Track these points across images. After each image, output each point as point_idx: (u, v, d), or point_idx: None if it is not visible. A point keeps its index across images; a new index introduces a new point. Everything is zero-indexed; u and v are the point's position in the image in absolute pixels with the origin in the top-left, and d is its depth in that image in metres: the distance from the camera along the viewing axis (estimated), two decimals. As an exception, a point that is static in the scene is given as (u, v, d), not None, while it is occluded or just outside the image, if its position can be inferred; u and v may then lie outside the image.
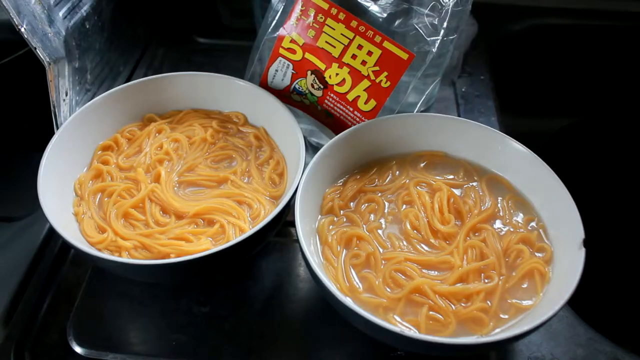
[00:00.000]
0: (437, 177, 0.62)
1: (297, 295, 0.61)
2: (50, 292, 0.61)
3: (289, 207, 0.54)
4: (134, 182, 0.62)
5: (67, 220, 0.58)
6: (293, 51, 0.64)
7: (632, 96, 0.96)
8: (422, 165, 0.63)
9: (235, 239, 0.52)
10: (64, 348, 0.57)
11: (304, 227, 0.53)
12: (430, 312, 0.51)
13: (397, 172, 0.62)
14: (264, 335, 0.58)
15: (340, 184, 0.61)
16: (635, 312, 0.70)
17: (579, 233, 0.52)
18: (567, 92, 0.98)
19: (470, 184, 0.62)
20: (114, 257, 0.53)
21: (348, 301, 0.47)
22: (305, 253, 0.50)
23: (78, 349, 0.56)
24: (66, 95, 0.64)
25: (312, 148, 0.71)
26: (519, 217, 0.59)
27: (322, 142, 0.70)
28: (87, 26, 0.70)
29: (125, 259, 0.54)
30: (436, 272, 0.54)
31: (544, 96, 0.98)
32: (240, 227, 0.57)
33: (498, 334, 0.47)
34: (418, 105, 0.66)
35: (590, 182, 0.84)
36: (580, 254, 0.50)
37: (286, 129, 0.63)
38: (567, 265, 0.52)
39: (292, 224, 0.52)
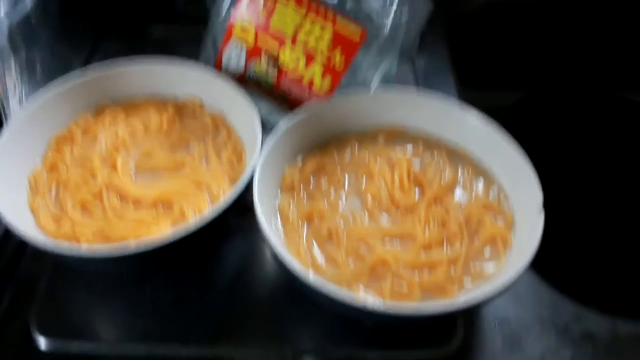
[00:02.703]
0: (397, 150, 0.61)
1: (263, 276, 0.60)
2: (10, 287, 0.59)
3: (249, 187, 0.53)
4: (91, 171, 0.60)
5: (23, 214, 0.56)
6: (246, 34, 0.63)
7: (586, 66, 0.97)
8: (381, 139, 0.63)
9: (195, 222, 0.50)
10: (28, 342, 0.55)
11: (263, 206, 0.52)
12: (394, 283, 0.51)
13: (357, 148, 0.62)
14: (231, 317, 0.57)
15: (300, 161, 0.60)
16: (597, 272, 0.70)
17: (538, 198, 0.52)
18: (524, 65, 0.98)
19: (430, 155, 0.61)
20: (70, 250, 0.51)
21: (310, 277, 0.47)
22: (265, 231, 0.49)
23: (42, 342, 0.55)
24: (14, 88, 0.62)
25: (271, 129, 0.69)
26: (480, 186, 0.59)
27: (281, 124, 0.69)
28: (33, 20, 0.68)
29: (82, 251, 0.52)
30: (399, 243, 0.54)
31: (501, 70, 0.98)
32: (200, 209, 0.56)
33: (462, 300, 0.47)
34: (375, 82, 0.65)
35: (548, 150, 0.84)
36: (540, 218, 0.51)
37: (243, 111, 0.62)
38: (528, 229, 0.52)
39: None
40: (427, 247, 0.53)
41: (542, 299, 0.59)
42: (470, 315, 0.57)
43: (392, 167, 0.60)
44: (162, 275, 0.60)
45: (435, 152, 0.62)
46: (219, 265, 0.61)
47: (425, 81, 0.84)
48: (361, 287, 0.51)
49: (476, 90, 0.91)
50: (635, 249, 0.73)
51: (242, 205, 0.55)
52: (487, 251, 0.54)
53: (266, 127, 0.61)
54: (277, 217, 0.56)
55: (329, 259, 0.53)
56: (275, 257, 0.49)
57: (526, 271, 0.58)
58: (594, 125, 0.90)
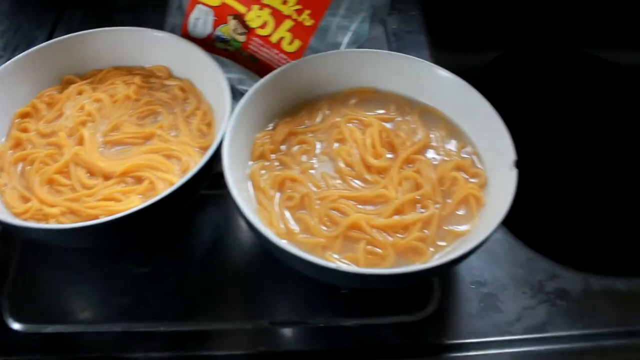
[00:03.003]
0: (369, 113, 0.61)
1: (238, 245, 0.60)
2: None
3: (219, 155, 0.52)
4: (57, 147, 0.59)
5: (-12, 194, 0.55)
6: (211, -4, 0.61)
7: (558, 25, 0.96)
8: (352, 102, 0.62)
9: (163, 192, 0.49)
10: (1, 326, 0.54)
11: (234, 174, 0.51)
12: (368, 247, 0.50)
13: (328, 112, 0.61)
14: (208, 288, 0.57)
15: (270, 128, 0.59)
16: (570, 230, 0.71)
17: (510, 155, 0.52)
18: (498, 26, 0.97)
19: (402, 117, 0.61)
20: (40, 225, 0.51)
21: (283, 243, 0.46)
22: (236, 199, 0.48)
23: (15, 325, 0.54)
24: (-26, 63, 0.60)
25: (242, 96, 0.68)
26: (452, 146, 0.58)
27: (251, 90, 0.67)
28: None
29: (51, 225, 0.51)
30: (372, 207, 0.53)
31: (475, 29, 0.97)
32: (170, 181, 0.55)
33: (436, 260, 0.47)
34: (345, 44, 0.64)
35: (521, 109, 0.84)
36: (512, 175, 0.50)
37: (211, 78, 0.61)
38: (501, 187, 0.52)
39: (227, 174, 0.51)
40: (401, 209, 0.53)
41: (517, 258, 0.59)
42: (446, 278, 0.57)
43: (363, 130, 0.59)
44: (137, 250, 0.59)
45: (408, 114, 0.61)
46: (194, 237, 0.61)
47: (397, 43, 0.83)
48: (335, 252, 0.50)
49: (450, 51, 0.91)
50: (605, 206, 0.73)
51: (214, 175, 0.55)
52: (461, 211, 0.54)
53: (237, 95, 0.60)
54: (249, 186, 0.55)
55: (302, 225, 0.52)
56: (249, 226, 0.49)
57: (501, 231, 0.59)
58: (566, 84, 0.91)
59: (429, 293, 0.56)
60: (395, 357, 0.53)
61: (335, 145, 0.58)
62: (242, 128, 0.56)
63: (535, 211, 0.70)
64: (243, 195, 0.52)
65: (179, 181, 0.51)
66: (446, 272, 0.58)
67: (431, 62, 0.62)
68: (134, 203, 0.53)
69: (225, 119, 0.55)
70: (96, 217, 0.52)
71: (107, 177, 0.56)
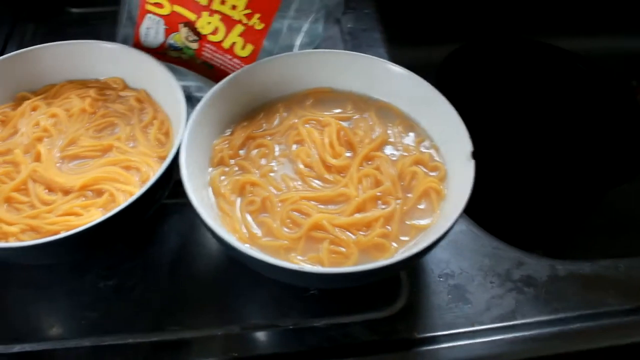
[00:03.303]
0: (326, 113, 0.61)
1: (203, 252, 0.59)
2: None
3: (177, 164, 0.52)
4: (13, 165, 0.58)
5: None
6: (160, 5, 0.61)
7: (516, 15, 0.98)
8: (309, 103, 0.62)
9: (123, 204, 0.49)
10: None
11: (194, 182, 0.51)
12: (332, 246, 0.50)
13: (285, 114, 0.61)
14: (176, 297, 0.56)
15: (228, 133, 0.59)
16: (534, 218, 0.72)
17: (468, 146, 0.52)
18: (453, 18, 0.98)
19: (360, 115, 0.61)
20: (-1, 244, 0.50)
21: (246, 248, 0.46)
22: (196, 207, 0.48)
23: (-20, 348, 0.53)
24: None
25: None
26: (410, 140, 0.59)
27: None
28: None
29: (11, 243, 0.50)
30: (334, 206, 0.53)
31: (430, 24, 0.98)
32: (130, 192, 0.54)
33: (399, 255, 0.47)
34: (298, 45, 0.64)
35: (480, 101, 0.85)
36: (470, 166, 0.51)
37: (166, 87, 0.60)
38: (460, 179, 0.52)
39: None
40: (362, 206, 0.53)
41: (482, 248, 0.60)
42: (413, 272, 0.58)
43: (321, 130, 0.59)
44: (101, 263, 0.59)
45: (365, 111, 0.61)
46: (158, 247, 0.60)
47: (353, 41, 0.83)
48: (299, 253, 0.50)
49: (406, 47, 0.91)
50: (565, 191, 0.74)
51: (175, 183, 0.54)
52: (422, 205, 0.54)
53: (195, 103, 0.60)
54: (210, 192, 0.55)
55: (265, 228, 0.52)
56: (211, 233, 0.48)
57: (464, 223, 0.60)
58: (524, 74, 0.92)
59: (398, 288, 0.57)
60: (367, 354, 0.53)
61: (294, 147, 0.58)
62: (199, 135, 0.55)
63: (497, 201, 0.71)
64: (204, 202, 0.52)
65: (138, 192, 0.50)
66: (412, 267, 0.58)
67: (388, 58, 0.62)
68: (95, 216, 0.52)
69: (182, 127, 0.54)
70: (57, 233, 0.51)
71: (66, 192, 0.56)
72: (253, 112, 0.61)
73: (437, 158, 0.57)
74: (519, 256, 0.59)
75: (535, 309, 0.55)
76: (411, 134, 0.59)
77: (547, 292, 0.56)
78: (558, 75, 0.90)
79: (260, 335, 0.54)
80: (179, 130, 0.55)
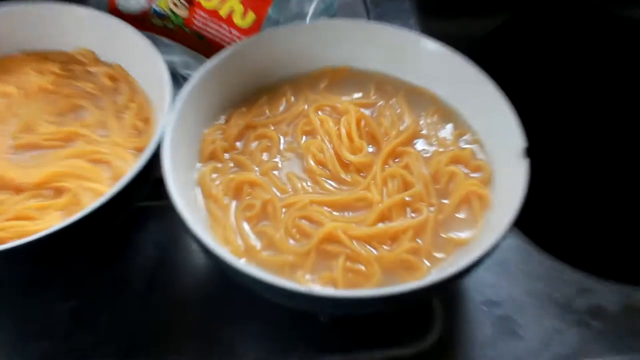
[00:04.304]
0: (343, 98, 0.60)
1: (188, 268, 0.59)
2: None
3: (158, 158, 0.52)
4: (-44, 156, 0.58)
5: None
6: (142, -39, 0.61)
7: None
8: (322, 85, 0.62)
9: (90, 206, 0.48)
10: None
11: (179, 180, 0.50)
12: (348, 263, 0.50)
13: (293, 98, 0.61)
14: (151, 326, 0.56)
15: (222, 121, 0.59)
16: (598, 232, 0.70)
17: (519, 142, 0.52)
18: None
19: (385, 101, 0.61)
20: None
21: (242, 264, 0.46)
22: (181, 212, 0.47)
23: None
24: None
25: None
26: (448, 133, 0.58)
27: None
28: None
29: None
30: (351, 213, 0.53)
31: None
32: (99, 191, 0.54)
33: (433, 277, 0.46)
34: (311, 13, 0.65)
35: (532, 86, 0.84)
36: (523, 166, 0.50)
37: (147, 62, 0.60)
38: (509, 182, 0.51)
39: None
40: (387, 215, 0.53)
41: (537, 270, 0.59)
42: (449, 298, 0.57)
43: (337, 119, 0.59)
44: (59, 281, 0.58)
45: (392, 97, 0.61)
46: (131, 261, 0.60)
47: (377, 10, 0.83)
48: (307, 271, 0.50)
49: (441, 18, 0.91)
50: (638, 199, 0.73)
51: (154, 182, 0.54)
52: (462, 214, 0.54)
53: (181, 82, 0.60)
54: (198, 193, 0.55)
55: (266, 240, 0.52)
56: (198, 244, 0.48)
57: (514, 237, 0.59)
58: (588, 53, 0.91)
59: (430, 318, 0.56)
60: (389, 401, 0.52)
61: (304, 139, 0.58)
62: (186, 122, 0.55)
63: (556, 210, 0.70)
64: (191, 205, 0.52)
65: (109, 192, 0.49)
66: (448, 291, 0.57)
67: (418, 32, 0.61)
68: (53, 221, 0.52)
69: (165, 112, 0.54)
70: (4, 242, 0.51)
71: (18, 189, 0.55)
72: (254, 95, 0.61)
73: (480, 156, 0.56)
74: (584, 280, 0.58)
75: (604, 347, 0.54)
76: (449, 126, 0.59)
77: (620, 327, 0.55)
78: (630, 54, 0.89)
79: (258, 375, 0.53)
80: (161, 116, 0.55)
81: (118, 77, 0.64)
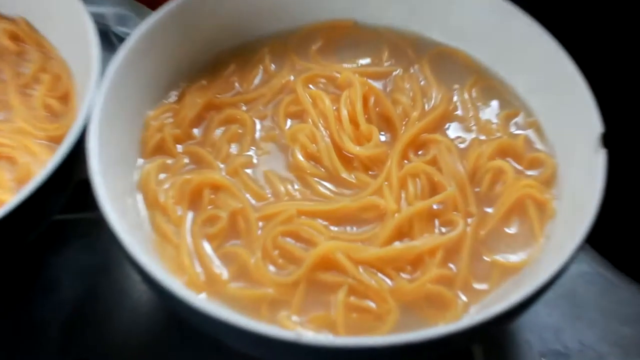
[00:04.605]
0: (345, 65, 0.61)
1: (125, 306, 0.60)
2: None
3: (82, 152, 0.51)
4: None
5: None
6: None
7: None
8: (315, 47, 0.62)
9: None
10: None
11: (111, 183, 0.50)
12: (353, 299, 0.50)
13: (273, 66, 0.61)
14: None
15: (173, 99, 0.59)
16: None
17: (595, 126, 0.52)
18: None
19: (403, 69, 0.61)
20: None
21: (200, 300, 0.45)
22: (114, 226, 0.47)
23: None
24: None
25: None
26: (492, 114, 0.59)
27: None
28: None
29: None
30: (356, 229, 0.53)
31: None
32: (-1, 200, 0.54)
33: (472, 317, 0.46)
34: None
35: (611, 51, 0.84)
36: (599, 160, 0.50)
37: (65, 15, 0.61)
38: (580, 182, 0.52)
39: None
40: (406, 229, 0.52)
41: (621, 307, 0.59)
42: (495, 346, 0.58)
43: (337, 96, 0.59)
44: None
45: (413, 63, 0.61)
46: (47, 296, 0.60)
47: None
48: (294, 310, 0.50)
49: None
50: None
51: (77, 185, 0.54)
52: (513, 227, 0.54)
53: (114, 44, 0.61)
54: (139, 201, 0.55)
55: (235, 265, 0.52)
56: (139, 271, 0.48)
57: (588, 259, 0.60)
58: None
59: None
60: None
61: (289, 123, 0.58)
62: (122, 102, 0.55)
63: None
64: (129, 218, 0.52)
65: (11, 200, 0.50)
66: (492, 337, 0.58)
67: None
68: None
69: (91, 87, 0.54)
70: None
71: None
72: (218, 62, 0.62)
73: (539, 146, 0.56)
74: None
75: None
76: (494, 103, 0.59)
77: None
78: None
79: None
80: (86, 93, 0.55)
81: (24, 36, 0.64)
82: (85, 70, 0.57)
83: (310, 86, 0.59)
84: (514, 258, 0.52)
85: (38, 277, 0.60)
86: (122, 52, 0.55)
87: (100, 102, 0.53)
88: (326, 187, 0.55)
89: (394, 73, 0.60)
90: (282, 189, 0.55)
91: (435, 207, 0.54)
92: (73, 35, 0.59)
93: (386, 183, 0.54)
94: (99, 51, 0.56)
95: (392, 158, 0.55)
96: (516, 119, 0.58)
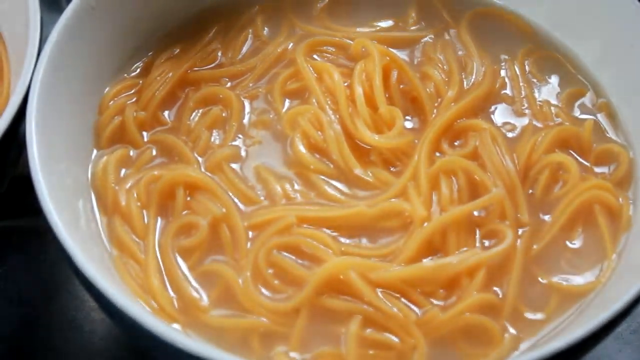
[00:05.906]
0: (358, 30, 0.62)
1: (76, 341, 0.60)
2: None
3: (18, 140, 0.52)
4: None
5: None
6: None
7: None
8: (320, 5, 0.63)
9: None
10: None
11: (57, 181, 0.51)
12: (369, 331, 0.50)
13: (266, 30, 0.62)
14: None
15: (137, 71, 0.60)
16: None
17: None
18: None
19: (434, 34, 0.62)
20: None
21: (172, 332, 0.46)
22: (61, 236, 0.47)
23: None
24: None
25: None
26: (551, 93, 0.59)
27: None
28: None
29: None
30: (373, 241, 0.54)
31: None
32: None
33: (522, 355, 0.47)
34: None
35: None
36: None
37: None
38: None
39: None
40: (438, 242, 0.53)
41: None
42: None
43: (349, 70, 0.59)
44: None
45: (447, 27, 0.62)
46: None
47: None
48: (293, 345, 0.50)
49: None
50: None
51: (14, 183, 0.55)
52: (577, 241, 0.54)
53: (60, 4, 0.63)
54: (94, 205, 0.56)
55: (218, 288, 0.52)
56: (94, 295, 0.48)
57: None
58: None
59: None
60: None
61: (287, 104, 0.59)
62: (69, 76, 0.56)
63: None
64: (80, 227, 0.52)
65: None
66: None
67: None
68: None
69: (30, 59, 0.55)
70: None
71: None
72: (195, 21, 0.63)
73: (611, 135, 0.57)
74: None
75: None
76: (553, 79, 0.60)
77: None
78: None
79: None
80: (23, 66, 0.55)
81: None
82: (22, 40, 0.58)
83: (315, 56, 0.59)
84: (577, 280, 0.53)
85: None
86: (70, 11, 0.56)
87: (40, 76, 0.53)
88: (335, 188, 0.55)
89: (423, 40, 0.60)
90: (278, 189, 0.55)
91: (476, 214, 0.54)
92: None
93: (412, 183, 0.55)
94: (38, 14, 0.57)
95: (421, 150, 0.56)
96: (582, 100, 0.58)
